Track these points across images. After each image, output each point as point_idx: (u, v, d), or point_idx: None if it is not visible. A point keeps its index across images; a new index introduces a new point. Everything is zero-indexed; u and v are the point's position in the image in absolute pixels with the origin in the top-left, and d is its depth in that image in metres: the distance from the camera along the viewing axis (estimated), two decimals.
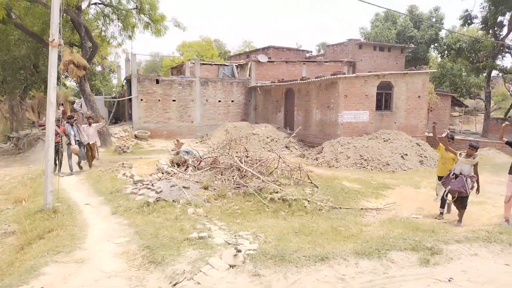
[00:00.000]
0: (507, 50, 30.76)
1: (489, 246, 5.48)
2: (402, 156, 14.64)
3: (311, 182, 9.64)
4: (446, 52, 35.66)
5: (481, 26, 30.07)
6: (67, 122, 11.35)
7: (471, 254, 5.18)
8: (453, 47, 33.62)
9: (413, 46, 34.38)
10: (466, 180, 6.82)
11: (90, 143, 12.07)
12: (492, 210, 8.04)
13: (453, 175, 7.04)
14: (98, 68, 28.82)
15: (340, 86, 16.24)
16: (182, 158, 11.32)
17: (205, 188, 8.42)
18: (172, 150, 12.46)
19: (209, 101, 22.89)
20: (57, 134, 10.03)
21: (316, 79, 17.78)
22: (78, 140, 11.42)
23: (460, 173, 6.92)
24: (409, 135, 16.68)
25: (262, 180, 8.47)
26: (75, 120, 11.84)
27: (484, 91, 31.17)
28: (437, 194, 7.66)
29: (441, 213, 7.67)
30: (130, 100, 21.85)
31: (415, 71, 18.13)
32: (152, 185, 8.71)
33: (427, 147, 15.75)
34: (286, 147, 16.54)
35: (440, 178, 7.64)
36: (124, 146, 17.00)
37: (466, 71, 31.82)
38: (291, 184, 8.94)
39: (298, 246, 5.30)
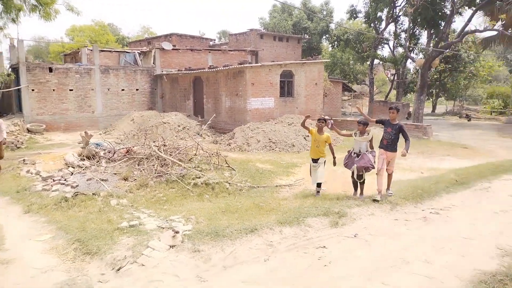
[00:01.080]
0: (385, 42, 35.19)
1: (381, 207, 6.70)
2: (304, 138, 16.08)
3: (229, 166, 10.19)
4: (336, 42, 39.27)
5: (364, 19, 33.79)
6: None
7: (369, 214, 6.29)
8: (342, 38, 37.18)
9: (307, 37, 36.89)
10: (368, 156, 7.16)
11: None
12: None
13: (354, 154, 7.34)
14: None
15: (247, 75, 17.01)
16: (93, 150, 10.89)
17: (125, 179, 8.37)
18: (79, 143, 11.82)
19: (111, 90, 21.79)
20: None
21: (224, 68, 18.29)
22: None
23: (360, 151, 7.23)
24: (309, 119, 18.29)
25: (184, 167, 8.72)
26: None
27: (368, 77, 35.29)
28: (311, 176, 7.92)
29: (316, 191, 7.89)
30: (18, 90, 19.67)
31: (312, 61, 19.83)
32: (65, 180, 8.33)
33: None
34: (199, 134, 16.81)
35: (313, 160, 7.77)
36: (17, 141, 15.43)
37: (353, 60, 35.48)
38: (211, 169, 9.36)
39: (228, 222, 5.80)
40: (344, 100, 38.88)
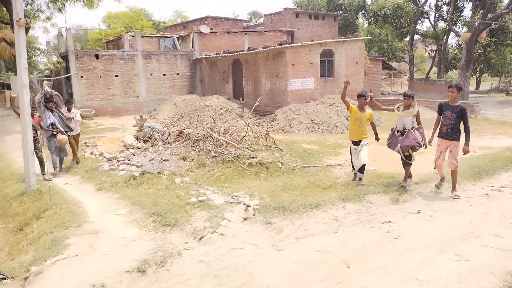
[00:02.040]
0: (425, 16, 33.74)
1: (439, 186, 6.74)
2: (346, 118, 16.02)
3: (277, 147, 10.45)
4: (372, 19, 38.09)
5: None
6: (45, 108, 8.31)
7: (428, 192, 6.37)
8: (379, 13, 36.00)
9: (343, 14, 36.00)
10: (414, 133, 6.36)
11: (74, 134, 9.24)
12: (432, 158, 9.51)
13: (397, 132, 6.53)
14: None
15: (287, 56, 17.03)
16: (148, 133, 11.45)
17: (183, 159, 8.82)
18: (134, 126, 12.44)
19: (153, 75, 22.45)
20: (32, 126, 7.56)
21: (264, 50, 18.37)
22: (61, 131, 8.53)
23: (404, 128, 6.46)
24: (350, 99, 18.14)
25: (238, 148, 9.06)
26: (55, 103, 8.62)
27: (408, 54, 34.15)
28: (352, 162, 7.17)
29: (358, 178, 7.06)
30: (68, 78, 20.69)
31: (353, 39, 19.49)
32: (129, 160, 8.90)
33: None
34: (241, 116, 17.12)
35: (354, 142, 7.00)
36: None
37: (392, 36, 34.35)
38: (262, 149, 9.66)
39: (291, 199, 6.08)
40: (383, 79, 37.96)
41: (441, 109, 6.32)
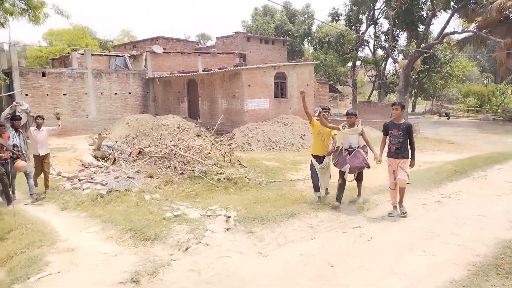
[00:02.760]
0: (366, 44, 36.47)
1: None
2: (301, 137, 16.77)
3: (240, 163, 10.71)
4: (317, 45, 40.40)
5: (346, 22, 35.02)
6: (11, 126, 7.58)
7: (387, 201, 6.97)
8: (323, 40, 38.31)
9: (292, 39, 37.79)
10: (362, 152, 6.30)
11: (42, 154, 8.25)
12: (384, 172, 10.31)
13: (345, 151, 6.41)
14: None
15: (243, 77, 17.56)
16: (106, 152, 11.20)
17: (150, 177, 8.77)
18: (90, 145, 12.07)
19: (104, 94, 21.85)
20: (2, 147, 7.18)
21: (220, 71, 18.77)
22: (23, 154, 7.76)
23: (350, 147, 6.38)
24: (303, 119, 19.02)
25: (205, 164, 9.20)
26: (21, 124, 7.91)
27: (351, 79, 36.49)
28: (315, 182, 6.81)
29: (319, 198, 6.90)
30: (10, 96, 19.49)
31: (303, 63, 20.59)
32: (92, 179, 8.66)
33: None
34: (198, 135, 17.19)
35: (317, 158, 6.76)
36: None
37: (336, 62, 36.58)
38: (228, 166, 9.86)
39: (266, 210, 6.34)
40: (329, 101, 39.98)
41: (386, 129, 6.24)
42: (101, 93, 21.69)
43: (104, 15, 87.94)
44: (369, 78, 48.39)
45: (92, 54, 23.68)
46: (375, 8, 31.58)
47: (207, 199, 7.60)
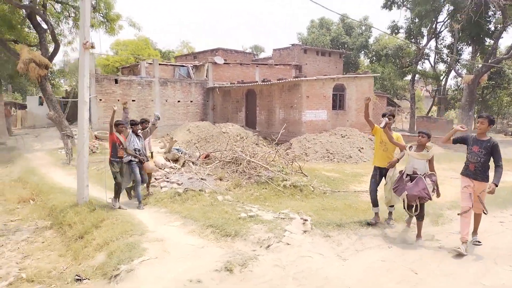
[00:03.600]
0: (426, 57, 35.37)
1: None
2: (359, 150, 16.65)
3: (302, 172, 10.92)
4: (374, 57, 39.83)
5: (405, 35, 34.23)
6: (132, 131, 7.69)
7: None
8: (381, 53, 37.71)
9: (348, 52, 37.57)
10: (425, 180, 5.37)
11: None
12: (451, 189, 10.02)
13: (406, 176, 5.58)
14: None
15: (302, 88, 17.84)
16: (176, 154, 11.91)
17: (220, 179, 9.24)
18: (162, 148, 12.89)
19: (168, 101, 23.12)
20: (120, 144, 7.38)
21: (279, 81, 19.21)
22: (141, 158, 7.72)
23: (414, 173, 5.52)
24: (360, 132, 18.87)
25: (271, 171, 9.53)
26: (145, 128, 8.35)
27: (409, 93, 35.46)
28: (371, 195, 6.19)
29: (377, 215, 6.25)
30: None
31: (363, 75, 20.48)
32: (168, 178, 9.29)
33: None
34: (256, 144, 17.66)
35: (379, 169, 6.18)
36: (93, 146, 16.79)
37: (394, 75, 35.79)
38: (292, 173, 10.13)
39: (337, 217, 6.50)
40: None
41: (465, 141, 5.36)
42: (166, 100, 22.97)
43: (164, 27, 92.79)
44: (427, 93, 46.70)
45: (159, 64, 25.18)
46: (438, 21, 30.68)
47: (275, 203, 7.89)
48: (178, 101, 23.54)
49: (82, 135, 7.52)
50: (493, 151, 5.13)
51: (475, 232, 5.53)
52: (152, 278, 4.27)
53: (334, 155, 15.59)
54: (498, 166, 5.10)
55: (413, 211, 5.49)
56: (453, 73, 33.32)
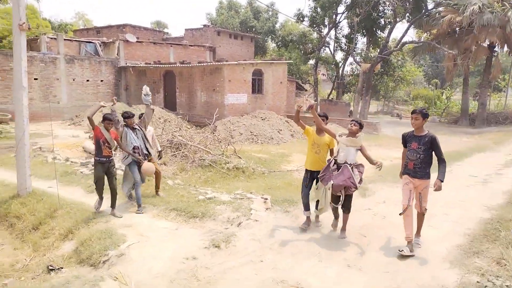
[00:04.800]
0: (326, 45, 38.45)
1: (385, 183, 8.69)
2: (278, 132, 17.89)
3: (236, 154, 11.57)
4: (280, 43, 41.82)
5: (309, 23, 36.66)
6: (126, 125, 6.61)
7: (380, 189, 8.24)
8: (287, 39, 39.79)
9: (259, 36, 38.75)
10: (353, 171, 5.13)
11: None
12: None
13: (333, 165, 5.28)
14: None
15: (224, 72, 18.29)
16: None
17: (164, 164, 9.36)
18: (87, 133, 12.24)
19: (76, 80, 21.43)
20: (105, 141, 6.14)
21: (201, 64, 19.32)
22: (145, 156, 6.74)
23: (345, 162, 5.20)
24: (278, 114, 20.17)
25: (213, 154, 9.95)
26: (141, 120, 7.10)
27: (313, 77, 38.31)
28: (302, 199, 5.74)
29: (308, 218, 5.76)
30: None
31: (278, 62, 21.70)
32: None
33: (293, 124, 19.52)
34: (179, 128, 17.67)
35: (310, 172, 5.67)
36: None
37: (299, 61, 38.19)
38: (230, 156, 10.69)
39: (285, 195, 7.32)
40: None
41: (405, 141, 5.20)
42: (73, 80, 21.27)
43: None
44: (324, 77, 50.94)
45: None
46: (338, 12, 33.52)
47: (224, 185, 8.42)
48: (87, 80, 21.97)
49: (22, 122, 7.01)
50: (432, 145, 4.87)
51: (417, 233, 5.22)
52: (149, 259, 4.53)
53: (258, 137, 16.53)
54: (441, 160, 4.93)
55: (337, 201, 5.26)
56: (349, 60, 37.05)
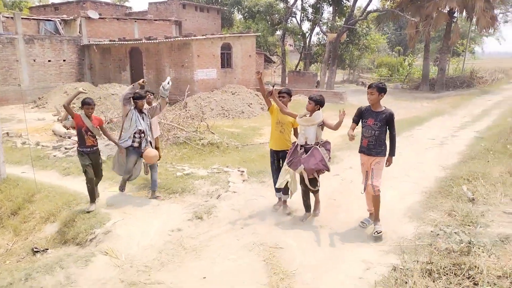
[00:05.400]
0: (293, 15, 38.36)
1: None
2: (249, 105, 18.13)
3: (209, 130, 11.80)
4: (246, 14, 41.27)
5: None
6: (135, 107, 5.96)
7: (348, 155, 8.78)
8: (253, 10, 39.32)
9: (224, 8, 38.04)
10: (322, 151, 4.93)
11: (154, 137, 6.72)
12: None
13: (300, 148, 5.05)
14: None
15: (193, 47, 18.12)
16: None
17: None
18: (55, 115, 12.04)
19: (37, 61, 20.59)
20: (87, 130, 5.65)
21: (167, 40, 19.00)
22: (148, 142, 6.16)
23: (307, 143, 4.99)
24: (247, 88, 20.33)
25: (187, 131, 10.14)
26: (152, 108, 6.41)
27: (280, 48, 38.34)
28: (274, 180, 5.58)
29: (283, 201, 5.67)
30: None
31: (247, 34, 21.64)
32: None
33: (262, 97, 19.81)
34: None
35: (276, 152, 5.55)
36: None
37: (267, 32, 38.00)
38: (204, 132, 10.91)
39: (262, 166, 7.71)
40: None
41: (360, 116, 4.88)
42: (34, 60, 20.42)
43: None
44: (291, 47, 50.98)
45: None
46: None
47: (200, 161, 8.70)
48: (49, 61, 21.15)
49: None
50: (388, 121, 4.68)
51: (376, 218, 4.88)
52: (136, 234, 4.82)
53: (229, 112, 16.73)
54: (393, 136, 4.80)
55: (315, 185, 5.10)
56: (316, 30, 37.23)
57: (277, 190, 5.61)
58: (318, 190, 5.25)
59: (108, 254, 4.30)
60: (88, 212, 5.54)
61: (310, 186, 5.07)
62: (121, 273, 3.98)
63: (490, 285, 3.16)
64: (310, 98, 5.08)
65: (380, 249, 4.39)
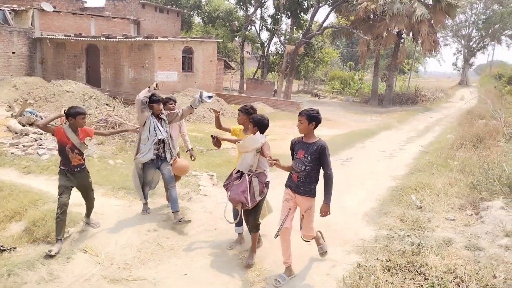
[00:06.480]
0: (252, 24, 39.11)
1: None
2: (210, 110, 18.33)
3: None
4: (206, 19, 41.42)
5: (236, 1, 36.93)
6: (152, 113, 5.17)
7: None
8: (213, 15, 39.56)
9: (184, 11, 37.89)
10: (251, 181, 4.28)
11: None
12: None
13: (237, 172, 4.52)
14: None
15: (154, 49, 18.04)
16: (32, 118, 11.00)
17: (101, 144, 9.38)
18: (8, 110, 11.47)
19: None
20: (72, 146, 4.68)
21: (128, 39, 18.72)
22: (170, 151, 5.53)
23: (248, 170, 4.39)
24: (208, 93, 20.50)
25: None
26: (173, 114, 5.54)
27: (239, 55, 38.87)
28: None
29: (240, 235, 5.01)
30: None
31: (208, 40, 21.87)
32: (41, 145, 8.85)
33: (223, 102, 20.08)
34: (107, 104, 17.15)
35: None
36: None
37: (226, 38, 38.38)
38: None
39: (228, 171, 7.97)
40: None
41: (292, 148, 4.21)
42: None
43: None
44: (249, 55, 51.78)
45: None
46: None
47: None
48: None
49: None
50: (320, 155, 3.92)
51: (317, 242, 4.53)
52: (111, 233, 4.90)
53: (190, 116, 16.80)
54: (328, 176, 3.91)
55: (236, 216, 4.53)
56: (274, 40, 38.22)
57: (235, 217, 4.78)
58: (254, 229, 4.41)
59: (87, 252, 4.38)
60: (50, 256, 4.23)
61: (247, 217, 4.38)
62: (102, 269, 4.09)
63: (438, 279, 3.71)
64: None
65: (343, 249, 4.87)
